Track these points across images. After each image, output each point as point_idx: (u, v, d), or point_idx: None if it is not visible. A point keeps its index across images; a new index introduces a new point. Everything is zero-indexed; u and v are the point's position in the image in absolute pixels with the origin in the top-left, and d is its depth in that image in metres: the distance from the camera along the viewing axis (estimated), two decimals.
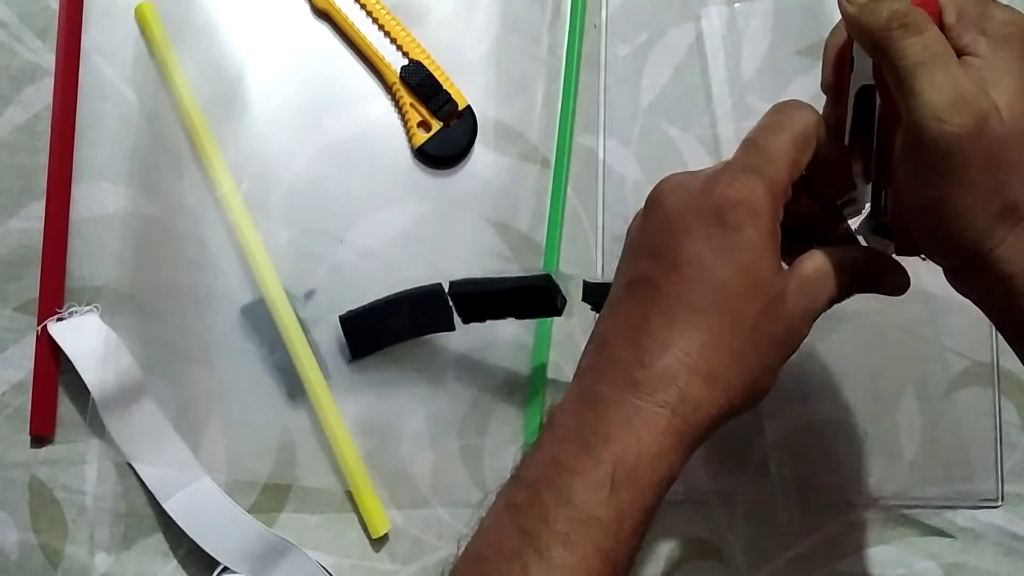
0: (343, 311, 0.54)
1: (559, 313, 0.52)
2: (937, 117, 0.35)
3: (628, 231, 0.41)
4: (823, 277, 0.39)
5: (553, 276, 0.51)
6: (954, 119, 0.35)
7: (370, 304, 0.54)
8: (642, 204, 0.41)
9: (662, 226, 0.38)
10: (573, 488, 0.35)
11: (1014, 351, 0.41)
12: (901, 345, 0.57)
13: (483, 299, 0.52)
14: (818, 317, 0.40)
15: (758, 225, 0.37)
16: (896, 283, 0.42)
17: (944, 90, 0.35)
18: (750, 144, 0.39)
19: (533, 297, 0.51)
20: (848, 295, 0.41)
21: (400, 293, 0.53)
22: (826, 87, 0.43)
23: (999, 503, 0.57)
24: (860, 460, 0.57)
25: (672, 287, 0.37)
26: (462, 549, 0.37)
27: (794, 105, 0.40)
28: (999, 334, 0.57)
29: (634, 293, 0.39)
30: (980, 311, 0.56)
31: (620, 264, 0.40)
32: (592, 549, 0.34)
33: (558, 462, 0.36)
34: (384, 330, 0.54)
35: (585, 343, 0.40)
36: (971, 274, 0.40)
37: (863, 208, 0.43)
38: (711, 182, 0.38)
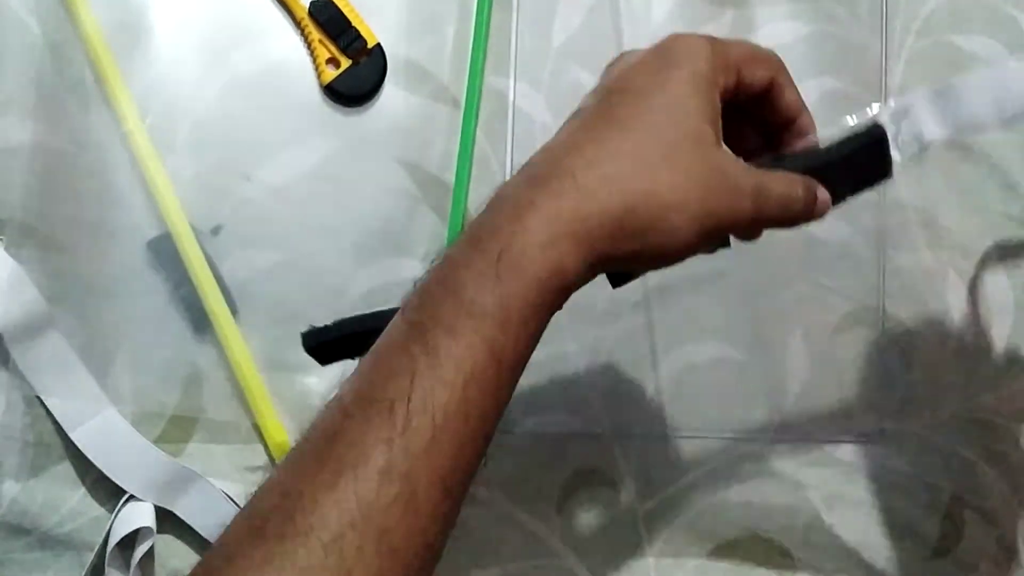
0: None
1: None
2: None
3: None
4: (775, 187, 0.39)
5: None
6: None
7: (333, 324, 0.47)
8: None
9: (616, 72, 0.39)
10: (459, 280, 0.34)
11: None
12: (791, 288, 0.60)
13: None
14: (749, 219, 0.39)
15: (695, 65, 0.37)
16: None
17: None
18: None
19: None
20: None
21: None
22: None
23: (877, 439, 0.61)
24: (749, 396, 0.60)
25: (602, 108, 0.37)
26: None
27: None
28: (883, 278, 0.61)
29: (569, 120, 0.38)
30: (866, 257, 0.59)
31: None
32: (477, 339, 0.33)
33: (450, 259, 0.35)
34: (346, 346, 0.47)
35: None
36: None
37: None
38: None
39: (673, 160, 0.36)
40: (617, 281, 0.44)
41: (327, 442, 0.32)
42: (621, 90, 0.37)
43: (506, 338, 0.33)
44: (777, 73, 0.41)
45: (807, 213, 0.40)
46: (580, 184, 0.35)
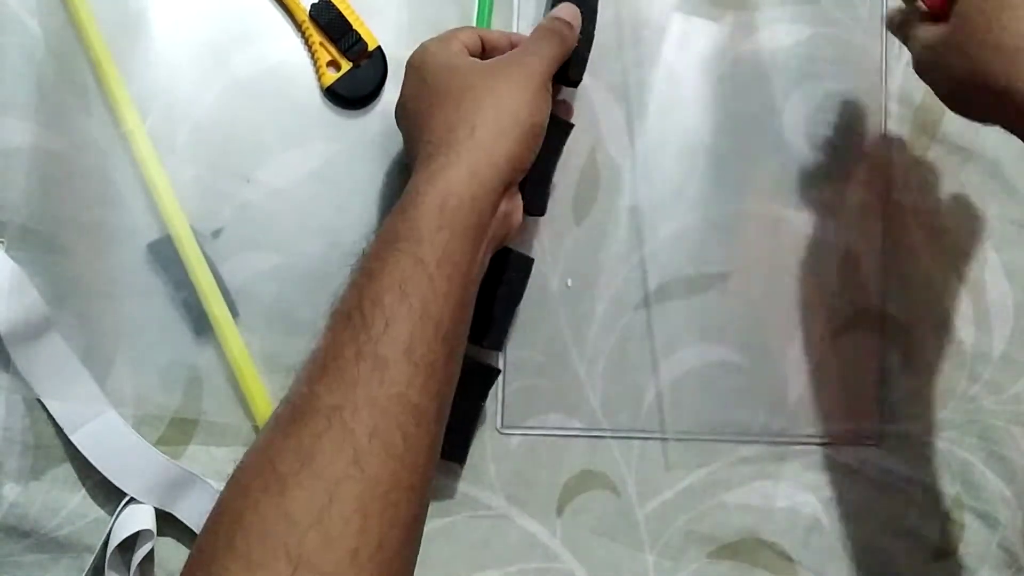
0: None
1: None
2: None
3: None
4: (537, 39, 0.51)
5: None
6: None
7: None
8: None
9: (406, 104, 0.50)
10: (377, 232, 0.44)
11: None
12: (793, 291, 0.60)
13: None
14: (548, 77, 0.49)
15: (429, 54, 0.49)
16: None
17: None
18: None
19: None
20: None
21: None
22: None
23: (877, 441, 0.61)
24: (749, 400, 0.60)
25: (423, 117, 0.47)
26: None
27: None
28: (883, 281, 0.61)
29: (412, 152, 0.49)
30: (867, 259, 0.59)
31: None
32: (400, 254, 0.42)
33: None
34: None
35: None
36: None
37: None
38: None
39: (485, 84, 0.47)
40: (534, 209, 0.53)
41: (312, 356, 0.41)
42: (417, 106, 0.48)
43: (423, 248, 0.42)
44: (479, 34, 0.52)
45: (566, 27, 0.51)
46: (445, 149, 0.45)
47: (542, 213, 0.55)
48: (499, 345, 0.56)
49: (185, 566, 0.37)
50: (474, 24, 0.58)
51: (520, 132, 0.46)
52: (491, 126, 0.45)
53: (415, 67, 0.49)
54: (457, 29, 0.51)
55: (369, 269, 0.42)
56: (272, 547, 0.35)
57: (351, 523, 0.36)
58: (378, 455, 0.38)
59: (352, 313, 0.40)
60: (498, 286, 0.53)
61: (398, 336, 0.40)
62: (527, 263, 0.54)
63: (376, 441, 0.38)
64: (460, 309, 0.43)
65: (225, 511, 0.37)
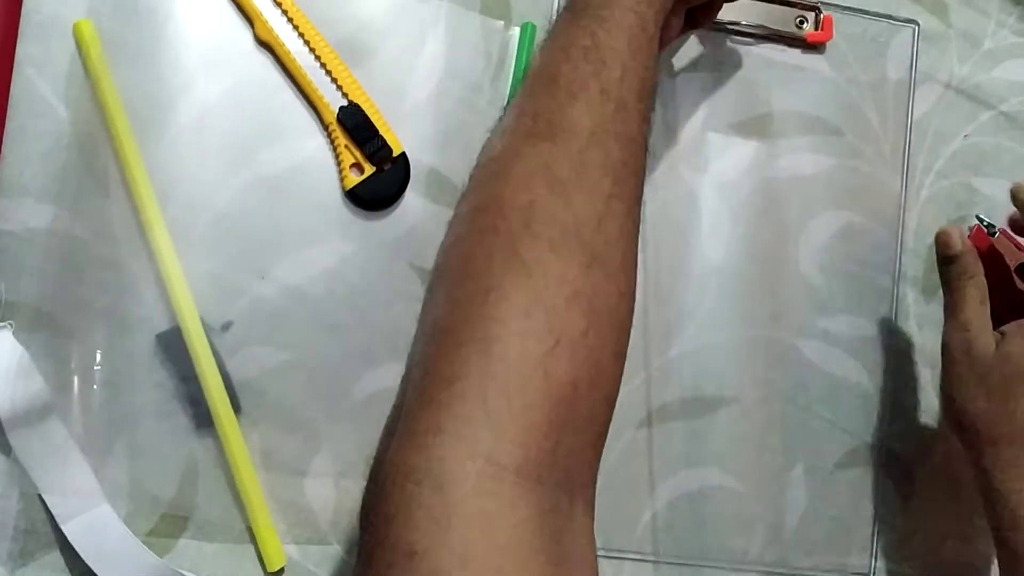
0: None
1: None
2: None
3: None
4: None
5: None
6: None
7: None
8: None
9: None
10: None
11: None
12: (797, 422, 0.60)
13: None
14: None
15: None
16: None
17: None
18: None
19: None
20: None
21: None
22: None
23: None
24: (744, 527, 0.59)
25: None
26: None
27: None
28: (887, 417, 0.61)
29: None
30: (872, 394, 0.59)
31: None
32: (631, 18, 0.45)
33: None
34: None
35: None
36: None
37: None
38: None
39: None
40: None
41: (551, 79, 0.43)
42: None
43: (647, 24, 0.45)
44: None
45: None
46: None
47: None
48: None
49: (460, 246, 0.40)
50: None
51: None
52: None
53: None
54: None
55: (599, 15, 0.45)
56: (567, 237, 0.38)
57: (621, 236, 0.40)
58: (629, 181, 0.42)
59: (589, 54, 0.43)
60: None
61: (631, 84, 0.43)
62: None
63: (627, 169, 0.42)
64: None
65: (508, 203, 0.39)
